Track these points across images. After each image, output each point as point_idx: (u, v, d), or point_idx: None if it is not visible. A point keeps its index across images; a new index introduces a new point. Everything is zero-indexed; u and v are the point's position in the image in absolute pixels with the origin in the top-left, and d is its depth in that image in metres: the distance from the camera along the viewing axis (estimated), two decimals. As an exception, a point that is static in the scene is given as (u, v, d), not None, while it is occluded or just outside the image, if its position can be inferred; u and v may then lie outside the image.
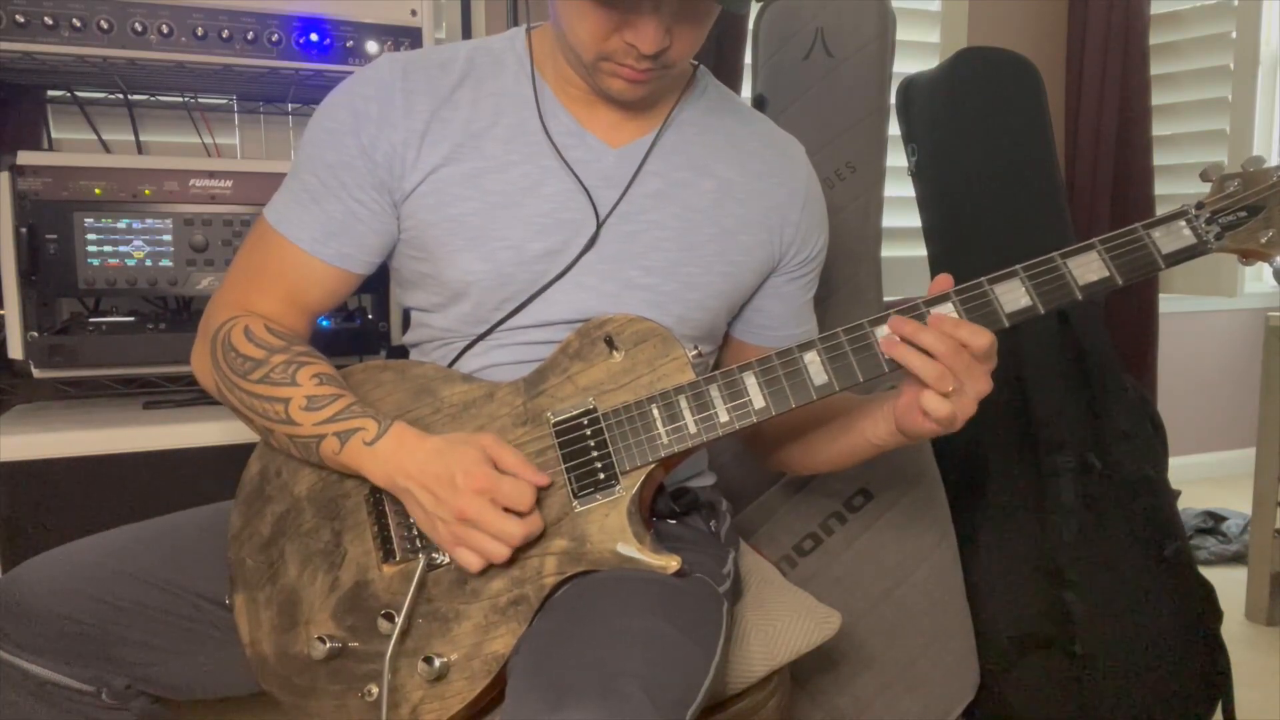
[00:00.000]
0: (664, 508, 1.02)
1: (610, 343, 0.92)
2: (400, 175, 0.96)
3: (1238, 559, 2.48)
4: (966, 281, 0.88)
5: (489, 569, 0.88)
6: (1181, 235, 0.86)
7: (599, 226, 0.98)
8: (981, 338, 0.84)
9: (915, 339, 0.84)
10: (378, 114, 0.95)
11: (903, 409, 0.90)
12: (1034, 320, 0.88)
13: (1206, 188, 0.89)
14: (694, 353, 0.91)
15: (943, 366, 0.83)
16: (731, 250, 1.02)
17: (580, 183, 0.97)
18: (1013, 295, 0.87)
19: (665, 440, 0.89)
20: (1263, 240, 0.86)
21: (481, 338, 0.99)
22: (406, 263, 1.01)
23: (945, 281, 0.87)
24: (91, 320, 1.39)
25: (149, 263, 1.37)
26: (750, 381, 0.89)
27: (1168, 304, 2.56)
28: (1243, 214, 0.86)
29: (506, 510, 0.84)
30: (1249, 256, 0.88)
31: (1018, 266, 0.88)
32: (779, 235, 1.05)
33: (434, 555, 0.91)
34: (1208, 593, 1.63)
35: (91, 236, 1.34)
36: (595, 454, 0.89)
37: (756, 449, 1.18)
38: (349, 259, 0.98)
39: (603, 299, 0.98)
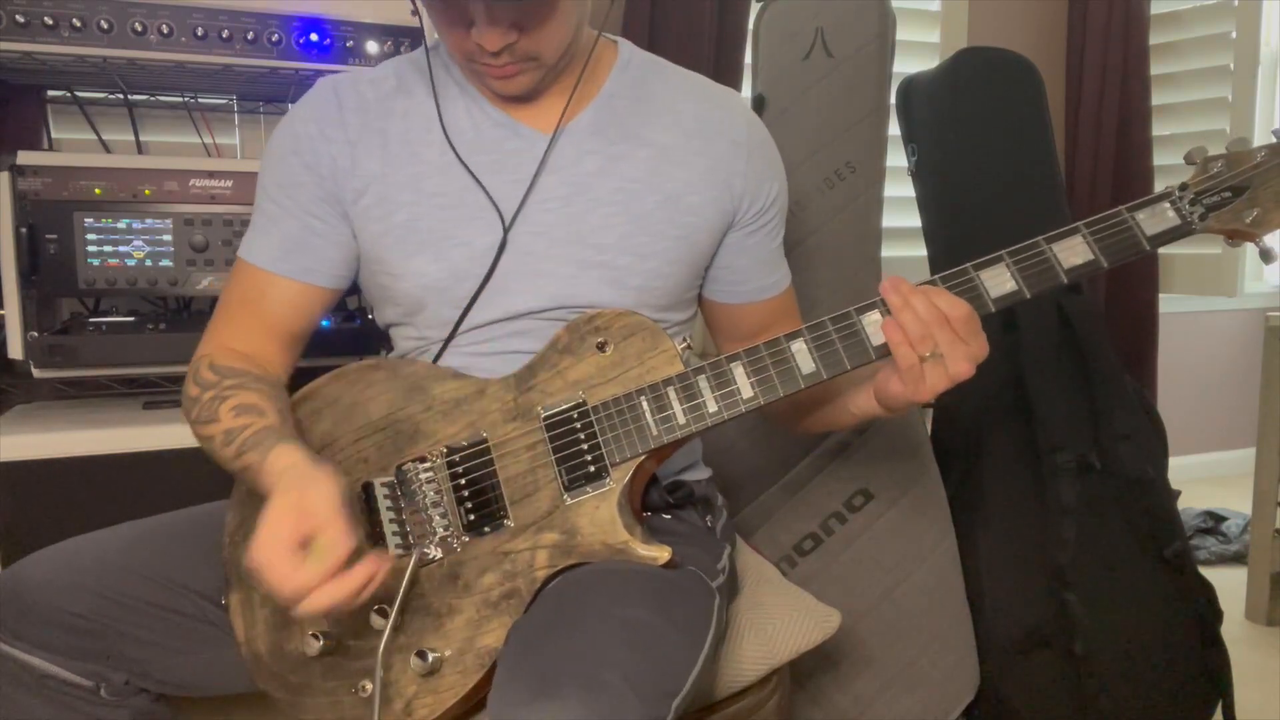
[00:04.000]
0: (658, 501, 1.02)
1: (599, 336, 0.93)
2: (343, 184, 0.99)
3: (1238, 559, 2.48)
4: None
5: (482, 565, 0.89)
6: (1166, 217, 0.87)
7: (507, 228, 0.98)
8: (957, 308, 0.85)
9: (908, 299, 0.86)
10: (316, 131, 0.99)
11: (882, 377, 0.91)
12: (1023, 305, 0.89)
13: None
14: (683, 346, 0.92)
15: (926, 329, 0.85)
16: (679, 213, 1.02)
17: (477, 180, 0.98)
18: (998, 280, 0.88)
19: (655, 431, 0.89)
20: (1247, 220, 0.86)
21: (451, 339, 1.00)
22: (369, 278, 1.04)
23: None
24: (91, 320, 1.39)
25: (149, 263, 1.37)
26: (738, 372, 0.89)
27: (1168, 304, 2.55)
28: (1227, 194, 0.87)
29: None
30: (1234, 237, 0.88)
31: (1003, 251, 0.89)
32: (728, 189, 1.04)
33: (425, 551, 0.91)
34: (1208, 593, 1.62)
35: (91, 236, 1.34)
36: (585, 447, 0.90)
37: (768, 419, 1.19)
38: (310, 272, 1.01)
39: (561, 283, 0.99)
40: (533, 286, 0.99)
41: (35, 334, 1.33)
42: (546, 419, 0.92)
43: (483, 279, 0.98)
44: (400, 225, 0.98)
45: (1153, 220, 0.87)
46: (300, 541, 0.78)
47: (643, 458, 0.89)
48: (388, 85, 1.03)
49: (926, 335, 0.85)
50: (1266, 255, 0.87)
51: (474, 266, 0.98)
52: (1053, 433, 1.66)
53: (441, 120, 1.00)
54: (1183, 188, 0.88)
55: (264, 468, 0.86)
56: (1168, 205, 0.87)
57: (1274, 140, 0.87)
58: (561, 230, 0.99)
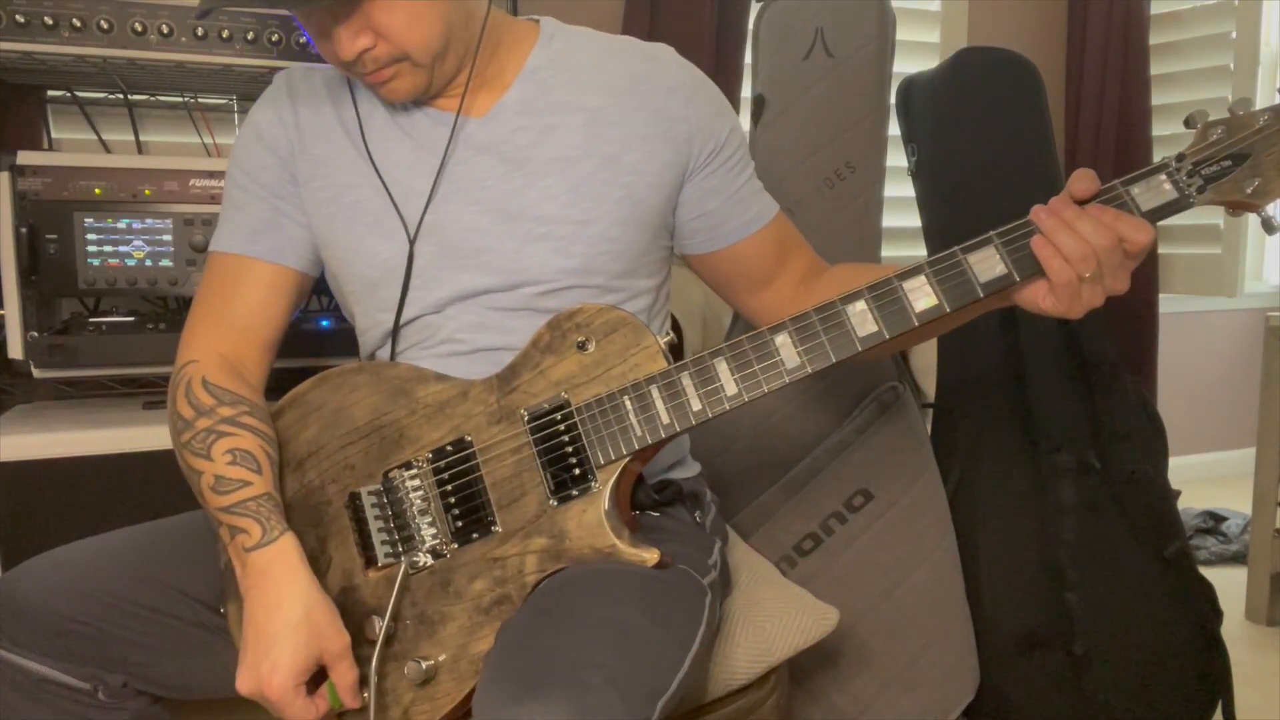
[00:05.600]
0: (645, 499, 1.02)
1: (580, 334, 0.92)
2: (298, 167, 1.03)
3: (1238, 559, 2.48)
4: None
5: (472, 571, 0.89)
6: (1162, 190, 0.83)
7: (413, 237, 0.99)
8: (1143, 234, 0.81)
9: (1074, 224, 0.82)
10: (272, 116, 1.04)
11: (1029, 292, 0.87)
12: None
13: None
14: (665, 339, 0.91)
15: (1089, 250, 0.81)
16: (620, 173, 1.01)
17: (388, 191, 1.00)
18: (988, 264, 0.85)
19: (639, 432, 0.88)
20: (1248, 190, 0.81)
21: (400, 319, 1.01)
22: (326, 265, 1.06)
23: (1087, 178, 0.84)
24: (91, 320, 1.39)
25: (149, 263, 1.37)
26: (722, 368, 0.88)
27: (1168, 304, 2.55)
28: (1227, 163, 0.81)
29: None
30: (1235, 208, 0.83)
31: (992, 233, 0.86)
32: (672, 139, 1.03)
33: (415, 559, 0.91)
34: (1208, 593, 1.62)
35: (91, 236, 1.34)
36: (570, 449, 0.89)
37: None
38: (280, 253, 1.02)
39: (507, 258, 0.99)
40: (480, 263, 0.99)
41: (35, 334, 1.33)
42: (530, 421, 0.91)
43: (406, 264, 0.99)
44: (348, 207, 1.01)
45: (1148, 194, 0.83)
46: (312, 672, 0.85)
47: (628, 459, 0.89)
48: (337, 76, 1.05)
49: (1089, 257, 0.81)
50: (1269, 225, 0.83)
51: (420, 244, 1.00)
52: (1052, 433, 1.66)
53: (359, 122, 1.02)
54: (1179, 158, 0.82)
55: (264, 553, 0.86)
56: (1164, 177, 0.82)
57: (1279, 100, 0.81)
58: (502, 206, 0.99)
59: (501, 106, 1.02)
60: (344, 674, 0.86)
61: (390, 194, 1.00)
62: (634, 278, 1.04)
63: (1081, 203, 0.84)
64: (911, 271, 0.86)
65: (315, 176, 1.02)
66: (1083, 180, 0.84)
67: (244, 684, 0.83)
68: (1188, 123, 0.86)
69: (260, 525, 0.87)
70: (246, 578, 0.86)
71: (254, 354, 1.01)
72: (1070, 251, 0.82)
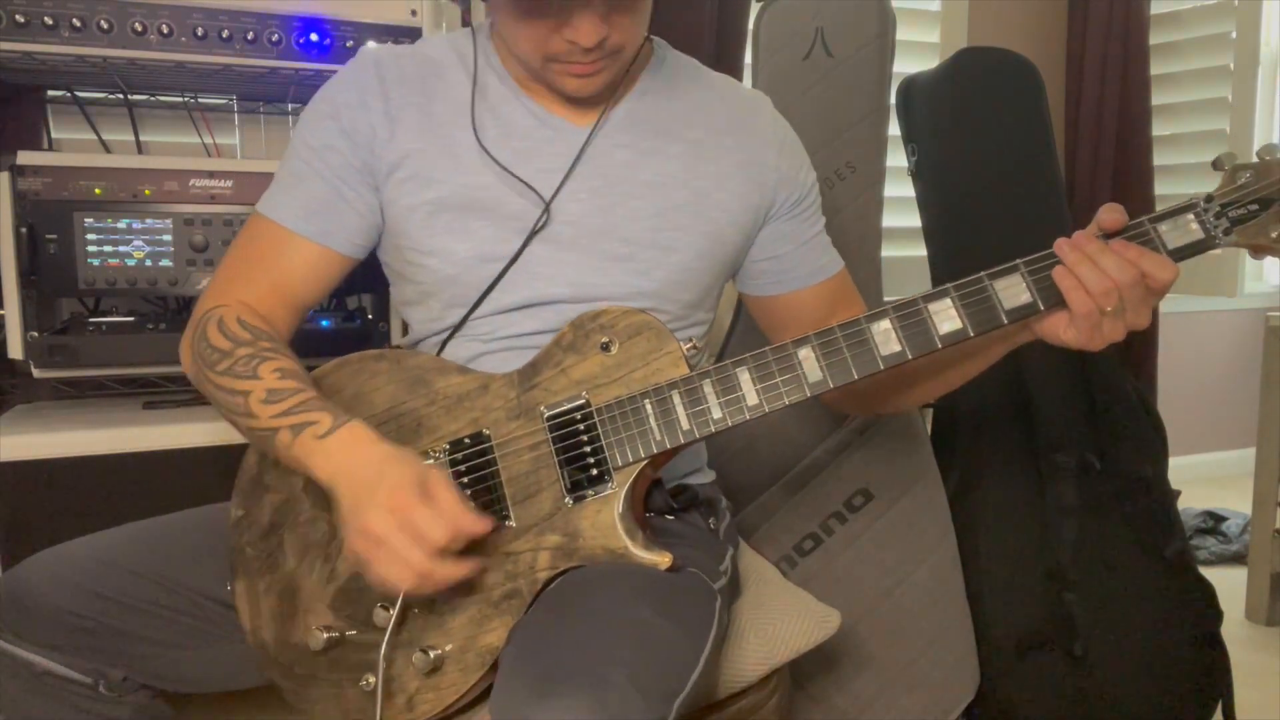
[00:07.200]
0: (661, 504, 1.02)
1: (604, 334, 0.92)
2: (379, 155, 0.99)
3: (1238, 559, 2.48)
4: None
5: (485, 563, 0.89)
6: (1189, 230, 0.84)
7: (547, 204, 0.99)
8: (1166, 271, 0.82)
9: (1097, 259, 0.82)
10: (356, 100, 0.99)
11: (1050, 324, 0.87)
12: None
13: (1207, 185, 0.87)
14: (688, 346, 0.91)
15: (1111, 284, 0.82)
16: (709, 209, 1.03)
17: (504, 167, 0.98)
18: (1013, 291, 0.86)
19: (658, 436, 0.88)
20: (1273, 235, 0.82)
21: (468, 320, 1.00)
22: (393, 253, 1.03)
23: (1116, 212, 0.84)
24: (91, 320, 1.39)
25: (149, 263, 1.37)
26: (744, 377, 0.88)
27: (1168, 304, 2.55)
28: (1254, 207, 0.82)
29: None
30: (1259, 251, 0.84)
31: (1019, 261, 0.86)
32: (760, 184, 1.05)
33: None
34: (1208, 593, 1.62)
35: (91, 236, 1.34)
36: (588, 449, 0.90)
37: (845, 406, 1.17)
38: (330, 236, 1.00)
39: (585, 272, 0.99)
40: (558, 274, 0.99)
41: (35, 334, 1.33)
42: (549, 419, 0.91)
43: (509, 260, 0.98)
44: (430, 203, 0.99)
45: (1175, 232, 0.83)
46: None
47: (645, 463, 0.89)
48: (429, 63, 1.03)
49: (1110, 291, 0.82)
50: None
51: (501, 248, 0.99)
52: (1053, 433, 1.66)
53: (473, 108, 1.00)
54: (1208, 199, 0.83)
55: (340, 433, 0.84)
56: (1191, 217, 0.83)
57: None
58: (590, 221, 1.00)
59: (606, 120, 1.02)
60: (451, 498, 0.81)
61: (526, 183, 0.98)
62: (698, 309, 1.06)
63: (1109, 235, 0.84)
64: (938, 293, 0.87)
65: (401, 167, 0.99)
66: (1111, 213, 0.84)
67: (376, 523, 0.78)
68: (1216, 164, 0.86)
69: (330, 414, 0.86)
70: (329, 460, 0.83)
71: (281, 313, 0.99)
72: (1092, 284, 0.82)
